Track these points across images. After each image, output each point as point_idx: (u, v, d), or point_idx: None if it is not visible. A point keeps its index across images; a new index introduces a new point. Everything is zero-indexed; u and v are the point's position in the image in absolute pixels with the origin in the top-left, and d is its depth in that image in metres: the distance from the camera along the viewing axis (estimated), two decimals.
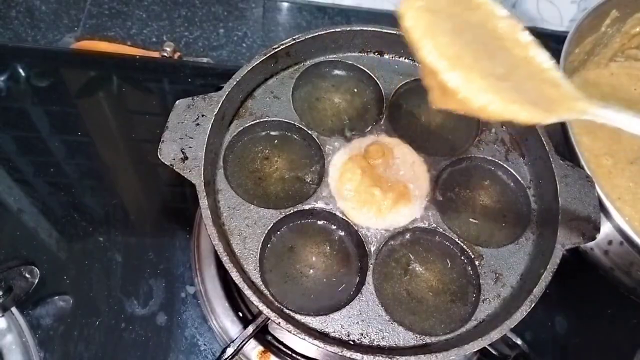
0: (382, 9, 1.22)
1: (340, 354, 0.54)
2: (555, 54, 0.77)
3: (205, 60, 1.09)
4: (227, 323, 0.74)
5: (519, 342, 0.64)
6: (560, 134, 0.74)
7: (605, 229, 0.70)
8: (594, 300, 0.82)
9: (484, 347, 0.67)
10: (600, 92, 0.96)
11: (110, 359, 0.73)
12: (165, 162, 0.62)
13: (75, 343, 0.73)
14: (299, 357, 0.73)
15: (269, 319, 0.62)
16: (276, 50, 0.71)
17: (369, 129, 0.73)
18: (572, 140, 0.72)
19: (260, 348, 0.72)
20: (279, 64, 0.74)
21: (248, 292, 0.56)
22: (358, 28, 0.75)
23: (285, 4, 1.22)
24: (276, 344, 0.73)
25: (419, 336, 0.59)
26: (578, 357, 0.79)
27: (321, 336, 0.57)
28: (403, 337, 0.59)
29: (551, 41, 0.85)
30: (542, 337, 0.79)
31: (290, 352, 0.73)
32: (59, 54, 1.06)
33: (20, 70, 0.98)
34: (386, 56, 0.79)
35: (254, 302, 0.56)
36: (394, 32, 0.75)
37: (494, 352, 0.69)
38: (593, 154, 0.87)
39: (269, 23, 1.21)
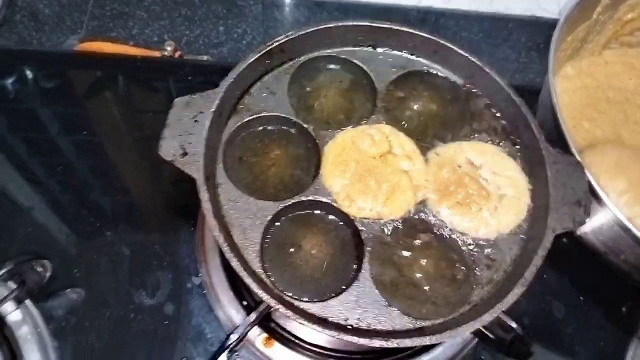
0: (380, 2, 1.23)
1: (338, 337, 0.57)
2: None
3: (205, 58, 1.11)
4: (232, 312, 0.77)
5: (514, 325, 0.66)
6: (551, 122, 0.76)
7: (597, 213, 0.72)
8: (591, 285, 0.84)
9: (482, 332, 0.70)
10: (596, 81, 0.97)
11: (121, 348, 0.76)
12: (166, 159, 0.65)
13: (87, 333, 0.76)
14: (302, 343, 0.75)
15: (271, 306, 0.65)
16: (270, 47, 0.73)
17: (363, 120, 0.75)
18: (562, 127, 0.73)
19: (265, 335, 0.75)
20: (274, 60, 0.76)
21: (248, 280, 0.59)
22: (350, 23, 0.77)
23: (283, 0, 1.24)
24: (280, 330, 0.76)
25: (414, 320, 0.61)
26: (576, 340, 0.80)
27: (320, 321, 0.59)
28: (399, 321, 0.61)
29: (547, 29, 0.87)
30: (540, 321, 0.81)
31: (293, 339, 0.75)
32: (64, 56, 1.08)
33: (28, 73, 1.01)
34: (379, 49, 0.80)
35: (255, 290, 0.58)
36: (386, 26, 0.77)
37: (491, 335, 0.71)
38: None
39: (268, 20, 1.22)
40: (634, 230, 0.69)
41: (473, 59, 0.75)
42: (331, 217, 0.70)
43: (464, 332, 0.58)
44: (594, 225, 0.75)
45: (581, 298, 0.83)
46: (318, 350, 0.75)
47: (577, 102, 0.94)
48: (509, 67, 1.20)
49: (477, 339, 0.76)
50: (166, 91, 1.02)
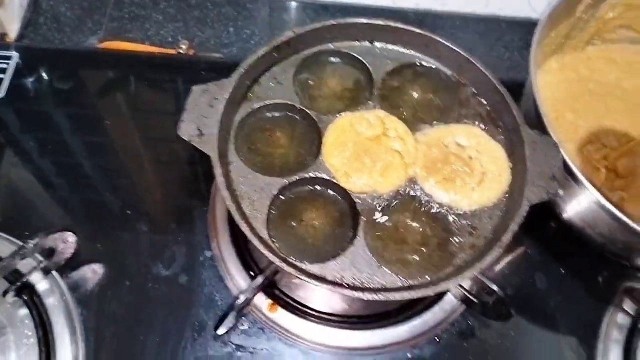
0: (381, 5, 1.31)
1: (335, 291, 0.64)
2: None
3: (217, 55, 1.19)
4: (240, 281, 0.84)
5: (495, 288, 0.73)
6: (533, 111, 0.82)
7: (573, 190, 0.78)
8: (571, 258, 0.91)
9: (468, 298, 0.77)
10: (578, 75, 1.03)
11: (140, 315, 0.83)
12: (184, 138, 0.73)
13: (109, 302, 0.84)
14: (304, 309, 0.83)
15: (276, 270, 0.72)
16: (279, 42, 0.81)
17: (361, 107, 0.83)
18: (541, 112, 0.80)
19: (270, 301, 0.82)
20: (282, 53, 0.84)
21: (257, 243, 0.66)
22: (351, 21, 0.85)
23: (290, 4, 1.32)
24: (284, 297, 0.83)
25: (404, 279, 0.69)
26: (557, 309, 0.87)
27: (319, 278, 0.67)
28: (390, 280, 0.69)
29: None
30: (524, 292, 0.88)
31: (295, 304, 0.83)
32: (82, 54, 1.16)
33: (44, 74, 1.08)
34: (377, 44, 0.88)
35: (262, 251, 0.66)
36: (383, 23, 0.85)
37: (475, 300, 0.78)
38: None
39: (275, 22, 1.30)
40: (608, 206, 0.75)
41: (461, 52, 0.83)
42: (331, 192, 0.77)
43: (447, 287, 0.65)
44: (570, 201, 0.82)
45: (562, 270, 0.90)
46: (319, 315, 0.83)
47: (560, 95, 1.00)
48: (503, 65, 1.26)
49: (464, 306, 0.83)
50: (181, 86, 1.10)
